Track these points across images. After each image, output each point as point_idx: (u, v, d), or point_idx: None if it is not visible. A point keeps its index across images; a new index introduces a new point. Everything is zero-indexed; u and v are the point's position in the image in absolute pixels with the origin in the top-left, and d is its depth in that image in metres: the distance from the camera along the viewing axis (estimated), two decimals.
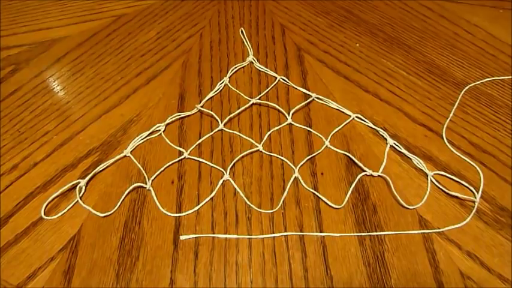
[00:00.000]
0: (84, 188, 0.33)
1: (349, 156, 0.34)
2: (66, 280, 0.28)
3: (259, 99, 0.39)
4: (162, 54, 0.46)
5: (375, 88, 0.40)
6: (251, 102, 0.39)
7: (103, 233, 0.30)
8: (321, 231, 0.30)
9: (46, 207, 0.31)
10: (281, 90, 0.41)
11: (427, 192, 0.31)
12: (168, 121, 0.37)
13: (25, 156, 0.35)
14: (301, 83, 0.41)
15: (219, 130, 0.37)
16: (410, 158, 0.34)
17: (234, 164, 0.34)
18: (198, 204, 0.32)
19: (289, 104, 0.39)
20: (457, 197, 0.31)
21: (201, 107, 0.39)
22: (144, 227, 0.30)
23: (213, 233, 0.30)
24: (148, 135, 0.37)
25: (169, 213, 0.31)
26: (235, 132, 0.37)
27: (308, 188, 0.32)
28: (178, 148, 0.35)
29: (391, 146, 0.35)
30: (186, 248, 0.29)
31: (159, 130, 0.37)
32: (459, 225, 0.30)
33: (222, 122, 0.37)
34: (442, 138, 0.35)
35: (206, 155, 0.35)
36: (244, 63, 0.44)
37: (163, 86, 0.42)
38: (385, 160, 0.34)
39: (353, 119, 0.37)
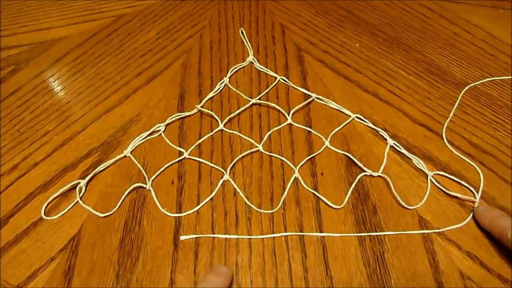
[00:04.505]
0: (84, 188, 0.33)
1: (349, 157, 0.34)
2: (67, 280, 0.28)
3: (259, 99, 0.39)
4: (162, 54, 0.46)
5: (374, 88, 0.40)
6: (251, 103, 0.39)
7: (103, 233, 0.30)
8: (321, 232, 0.30)
9: (46, 207, 0.31)
10: (281, 90, 0.41)
11: (427, 193, 0.31)
12: (168, 121, 0.37)
13: (25, 157, 0.35)
14: (301, 83, 0.41)
15: (219, 130, 0.37)
16: (410, 158, 0.34)
17: (234, 164, 0.34)
18: (198, 204, 0.32)
19: (289, 104, 0.39)
20: (456, 197, 0.31)
21: (201, 107, 0.39)
22: (144, 227, 0.30)
23: (213, 233, 0.30)
24: (149, 135, 0.37)
25: (169, 214, 0.31)
26: (235, 132, 0.37)
27: (308, 188, 0.32)
28: (178, 148, 0.35)
29: (391, 146, 0.35)
30: (186, 248, 0.29)
31: (159, 130, 0.37)
32: (459, 225, 0.30)
33: (222, 122, 0.37)
34: (442, 138, 0.35)
35: (206, 155, 0.35)
36: (244, 63, 0.44)
37: (163, 86, 0.42)
38: (385, 160, 0.34)
39: (353, 119, 0.37)
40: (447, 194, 0.31)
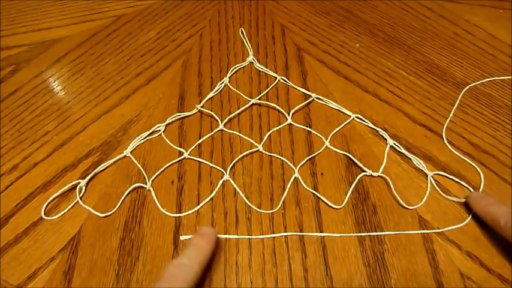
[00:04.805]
0: (84, 188, 0.33)
1: (349, 157, 0.34)
2: (67, 280, 0.28)
3: (259, 99, 0.39)
4: (162, 54, 0.46)
5: (374, 88, 0.40)
6: (251, 103, 0.39)
7: (103, 233, 0.30)
8: (321, 232, 0.30)
9: (46, 207, 0.31)
10: (281, 90, 0.41)
11: (427, 193, 0.31)
12: (168, 121, 0.37)
13: (25, 157, 0.35)
14: (301, 83, 0.41)
15: (219, 130, 0.37)
16: (410, 158, 0.34)
17: (234, 164, 0.34)
18: (198, 204, 0.32)
19: (289, 104, 0.39)
20: (456, 200, 0.31)
21: (201, 107, 0.39)
22: (144, 227, 0.30)
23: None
24: (149, 135, 0.37)
25: (169, 214, 0.31)
26: (235, 132, 0.37)
27: (308, 188, 0.32)
28: (178, 148, 0.35)
29: (391, 146, 0.35)
30: None
31: (159, 130, 0.37)
32: (459, 225, 0.30)
33: (222, 122, 0.37)
34: (442, 139, 0.35)
35: (206, 155, 0.35)
36: (244, 63, 0.44)
37: (163, 86, 0.42)
38: (385, 160, 0.34)
39: (353, 119, 0.37)
40: (445, 198, 0.31)
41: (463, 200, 0.31)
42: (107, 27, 0.50)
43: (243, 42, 0.47)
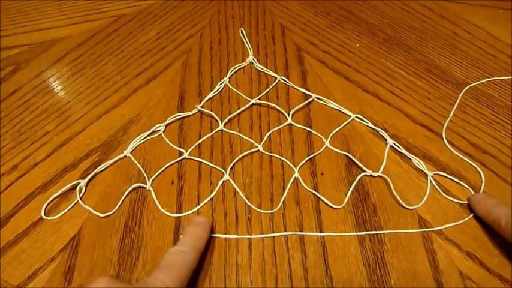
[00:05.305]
0: (84, 188, 0.33)
1: (349, 157, 0.34)
2: (67, 280, 0.28)
3: (259, 99, 0.39)
4: (162, 54, 0.46)
5: (374, 88, 0.40)
6: (251, 103, 0.39)
7: (103, 234, 0.30)
8: (320, 232, 0.30)
9: (46, 207, 0.31)
10: (281, 90, 0.41)
11: (427, 193, 0.31)
12: (168, 121, 0.37)
13: (25, 157, 0.35)
14: (301, 83, 0.41)
15: (219, 130, 0.37)
16: (410, 159, 0.34)
17: (234, 165, 0.34)
18: (198, 204, 0.32)
19: (289, 104, 0.39)
20: (454, 201, 0.31)
21: (201, 107, 0.39)
22: (144, 227, 0.30)
23: (213, 233, 0.30)
24: (149, 135, 0.37)
25: (169, 214, 0.31)
26: (235, 132, 0.37)
27: (308, 188, 0.32)
28: (178, 148, 0.35)
29: (391, 146, 0.35)
30: None
31: (159, 130, 0.37)
32: (458, 222, 0.30)
33: (222, 122, 0.37)
34: (442, 139, 0.35)
35: (206, 155, 0.35)
36: (244, 64, 0.44)
37: (163, 86, 0.42)
38: (385, 160, 0.34)
39: (353, 119, 0.37)
40: (445, 197, 0.31)
41: (466, 202, 0.31)
42: (107, 27, 0.50)
43: (243, 42, 0.47)
